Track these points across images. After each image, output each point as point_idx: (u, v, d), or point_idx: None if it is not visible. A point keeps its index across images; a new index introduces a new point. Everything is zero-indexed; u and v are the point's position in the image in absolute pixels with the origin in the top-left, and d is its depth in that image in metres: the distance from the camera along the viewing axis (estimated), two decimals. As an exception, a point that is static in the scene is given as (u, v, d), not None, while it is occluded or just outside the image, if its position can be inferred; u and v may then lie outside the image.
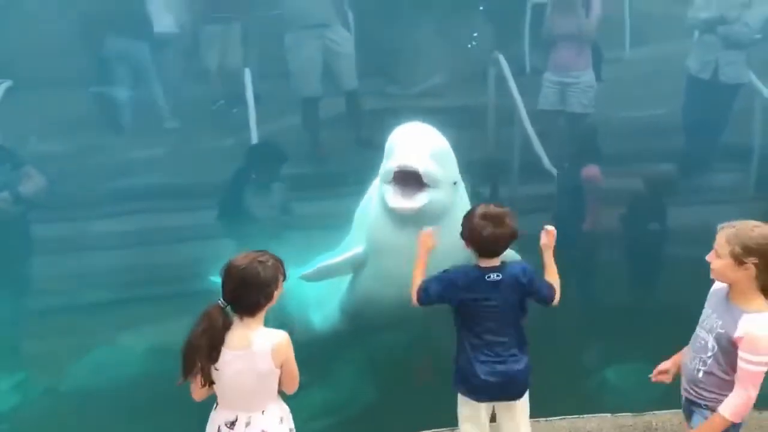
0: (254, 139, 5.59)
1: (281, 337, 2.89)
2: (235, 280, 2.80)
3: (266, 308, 2.89)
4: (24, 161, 5.01)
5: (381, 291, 3.90)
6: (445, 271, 3.33)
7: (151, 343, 4.89)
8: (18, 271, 5.12)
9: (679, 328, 3.26)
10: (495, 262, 3.27)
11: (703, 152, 6.25)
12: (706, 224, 5.47)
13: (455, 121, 5.62)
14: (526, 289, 3.28)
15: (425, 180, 3.54)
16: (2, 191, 4.93)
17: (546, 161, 5.63)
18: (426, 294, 3.33)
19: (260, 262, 2.84)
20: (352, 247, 4.08)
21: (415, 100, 6.38)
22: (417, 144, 3.56)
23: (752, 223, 2.89)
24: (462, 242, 3.34)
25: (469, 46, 6.36)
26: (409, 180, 3.56)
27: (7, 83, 5.41)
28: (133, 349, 4.95)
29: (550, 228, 3.39)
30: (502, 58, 6.10)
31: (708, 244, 2.95)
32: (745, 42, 6.07)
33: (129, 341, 5.00)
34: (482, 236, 3.18)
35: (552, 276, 3.38)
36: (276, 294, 2.89)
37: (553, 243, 3.37)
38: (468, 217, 3.28)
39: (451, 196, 3.72)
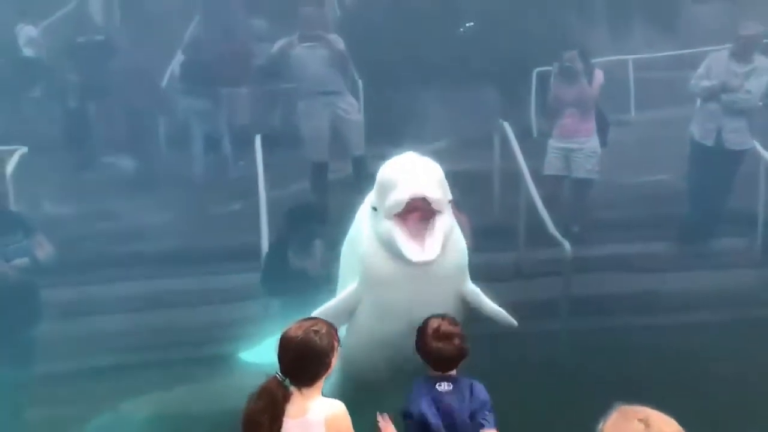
0: (263, 204, 5.65)
1: (337, 407, 2.88)
2: (293, 352, 2.81)
3: (324, 377, 2.89)
4: (35, 228, 5.06)
5: (380, 326, 3.79)
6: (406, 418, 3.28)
7: (154, 410, 4.88)
8: (25, 335, 5.14)
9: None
10: (449, 374, 3.27)
11: (708, 218, 6.30)
12: (713, 290, 5.56)
13: (461, 185, 5.76)
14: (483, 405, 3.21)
15: (435, 207, 3.46)
16: (15, 258, 4.97)
17: (551, 226, 5.67)
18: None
19: (315, 332, 2.85)
20: (344, 287, 3.98)
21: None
22: (421, 172, 3.50)
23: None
24: (463, 258, 3.45)
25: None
26: (413, 213, 3.48)
27: (22, 150, 5.52)
28: (136, 416, 4.93)
29: None
30: (507, 125, 6.20)
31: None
32: (748, 109, 6.17)
33: (132, 407, 4.98)
34: (430, 352, 3.22)
35: None
36: (333, 362, 2.90)
37: None
38: (421, 330, 3.30)
39: (451, 215, 3.65)
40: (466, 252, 3.75)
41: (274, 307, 4.74)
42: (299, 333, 2.80)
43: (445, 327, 3.24)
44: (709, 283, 5.81)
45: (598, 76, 6.12)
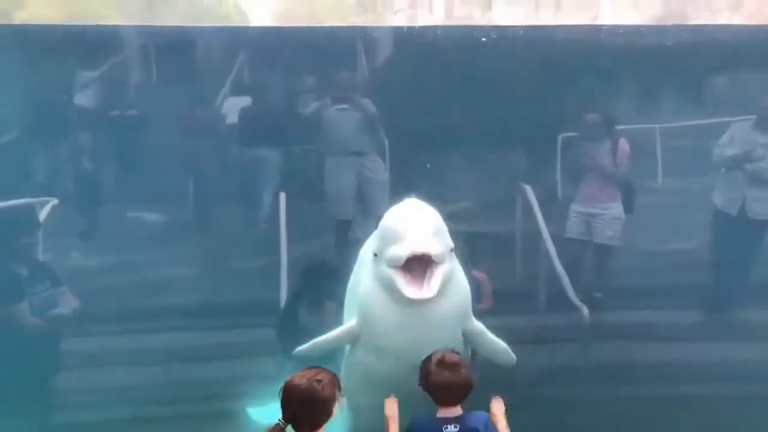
0: (284, 260, 5.75)
1: None
2: (296, 401, 2.92)
3: (326, 424, 2.98)
4: (62, 279, 5.19)
5: (376, 366, 3.86)
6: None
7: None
8: (46, 384, 5.22)
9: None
10: (455, 411, 3.31)
11: (732, 288, 6.27)
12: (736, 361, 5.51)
13: (483, 246, 5.85)
14: None
15: (436, 260, 3.56)
16: (44, 308, 5.08)
17: (570, 291, 5.69)
18: None
19: (318, 381, 2.96)
20: (345, 322, 4.07)
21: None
22: (421, 226, 3.60)
23: None
24: (465, 299, 3.55)
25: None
26: (415, 261, 3.57)
27: (53, 201, 5.68)
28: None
29: (497, 402, 3.44)
30: (528, 188, 6.28)
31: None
32: (772, 180, 6.19)
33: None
34: (437, 384, 3.27)
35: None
36: (335, 410, 3.00)
37: (501, 412, 3.40)
38: (425, 363, 3.36)
39: (451, 262, 3.73)
40: (468, 293, 3.84)
41: (288, 365, 4.78)
42: (303, 382, 2.91)
43: (450, 357, 3.31)
44: (732, 354, 5.75)
45: (623, 144, 6.19)
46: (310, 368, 3.04)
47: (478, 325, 3.97)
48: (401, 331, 3.66)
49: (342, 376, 4.12)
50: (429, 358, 3.38)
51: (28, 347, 4.97)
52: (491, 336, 4.02)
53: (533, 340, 5.82)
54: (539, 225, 6.04)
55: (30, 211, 5.60)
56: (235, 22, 11.02)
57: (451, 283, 3.71)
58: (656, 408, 5.23)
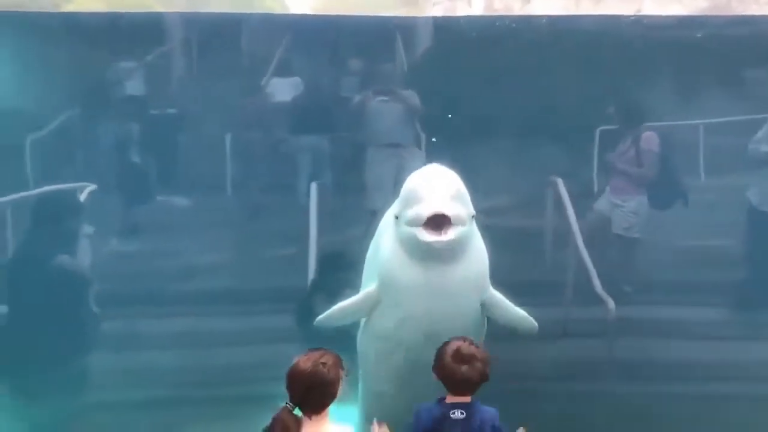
0: (313, 249, 5.89)
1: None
2: (302, 384, 3.07)
3: (330, 404, 3.13)
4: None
5: (393, 334, 3.97)
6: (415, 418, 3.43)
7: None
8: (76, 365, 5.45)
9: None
10: (464, 398, 3.37)
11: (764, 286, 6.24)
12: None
13: (514, 241, 5.91)
14: None
15: (453, 222, 3.69)
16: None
17: (597, 284, 5.72)
18: None
19: (323, 364, 3.10)
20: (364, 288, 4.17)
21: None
22: (443, 189, 3.74)
23: None
24: (483, 267, 3.68)
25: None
26: (435, 223, 3.70)
27: (92, 187, 5.90)
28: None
29: None
30: (560, 182, 6.32)
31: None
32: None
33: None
34: (451, 376, 3.34)
35: None
36: (339, 390, 3.14)
37: None
38: (440, 351, 3.41)
39: (470, 229, 3.86)
40: (486, 262, 3.96)
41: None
42: (308, 365, 3.06)
43: (466, 350, 3.36)
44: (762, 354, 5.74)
45: (650, 139, 6.18)
46: (314, 350, 3.16)
47: (496, 295, 4.08)
48: (420, 293, 3.78)
49: (358, 349, 4.35)
50: (445, 345, 3.44)
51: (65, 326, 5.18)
52: (510, 305, 4.12)
53: (560, 335, 5.85)
54: (569, 218, 6.05)
55: (72, 195, 5.81)
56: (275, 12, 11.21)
57: (470, 250, 3.85)
58: (679, 406, 5.25)
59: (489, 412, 3.39)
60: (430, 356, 3.51)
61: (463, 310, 3.86)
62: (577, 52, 6.13)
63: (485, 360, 3.39)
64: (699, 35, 6.37)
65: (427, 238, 3.66)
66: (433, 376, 3.45)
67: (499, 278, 4.13)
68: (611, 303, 5.60)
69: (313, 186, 6.45)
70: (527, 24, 6.53)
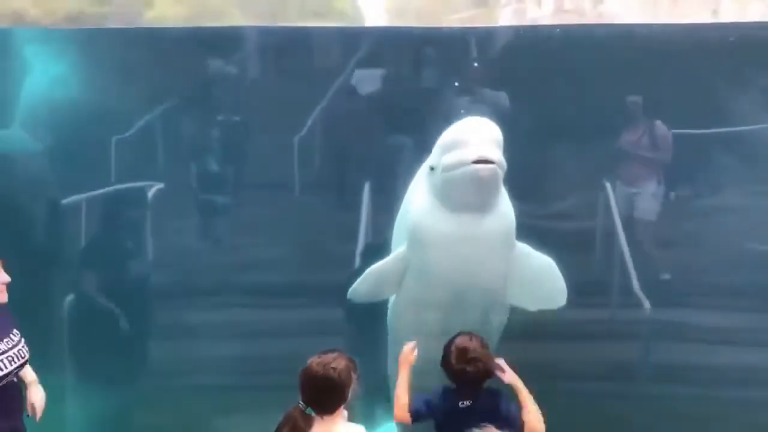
0: (361, 246, 6.17)
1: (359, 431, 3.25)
2: (313, 387, 3.19)
3: (343, 405, 3.25)
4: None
5: (423, 297, 4.14)
6: (427, 399, 3.68)
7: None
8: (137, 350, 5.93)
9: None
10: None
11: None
12: None
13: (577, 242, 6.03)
14: (503, 420, 3.47)
15: (499, 168, 3.86)
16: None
17: (636, 284, 5.79)
18: (416, 415, 3.67)
19: (333, 369, 3.20)
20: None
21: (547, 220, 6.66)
22: (486, 135, 3.89)
23: None
24: (510, 223, 3.93)
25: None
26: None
27: (159, 185, 6.34)
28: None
29: (504, 368, 3.70)
30: (608, 185, 6.39)
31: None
32: None
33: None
34: (455, 374, 3.55)
35: (530, 413, 3.57)
36: (351, 392, 3.25)
37: (513, 379, 3.66)
38: (446, 350, 3.60)
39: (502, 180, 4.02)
40: (513, 217, 4.12)
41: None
42: (320, 370, 3.18)
43: (472, 351, 3.55)
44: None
45: (661, 128, 6.15)
46: (326, 352, 3.27)
47: (523, 246, 4.23)
48: (452, 242, 3.93)
49: (389, 324, 4.56)
50: (451, 343, 3.63)
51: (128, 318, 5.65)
52: (536, 254, 4.26)
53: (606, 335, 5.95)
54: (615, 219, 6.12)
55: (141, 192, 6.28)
56: (350, 17, 11.65)
57: (499, 203, 4.02)
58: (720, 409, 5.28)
59: (494, 394, 3.62)
60: (460, 318, 3.81)
61: (492, 262, 4.03)
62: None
63: (488, 359, 3.59)
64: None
65: (477, 167, 3.77)
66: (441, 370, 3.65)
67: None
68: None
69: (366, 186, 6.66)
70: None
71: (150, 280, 6.26)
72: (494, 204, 3.98)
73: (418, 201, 4.16)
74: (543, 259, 4.29)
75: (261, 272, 6.38)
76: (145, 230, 6.34)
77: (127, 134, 6.26)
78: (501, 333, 4.46)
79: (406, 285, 4.28)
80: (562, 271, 4.36)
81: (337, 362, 3.23)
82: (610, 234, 6.24)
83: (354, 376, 3.27)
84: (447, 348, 3.65)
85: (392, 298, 4.51)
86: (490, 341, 3.93)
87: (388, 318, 4.63)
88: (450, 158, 3.92)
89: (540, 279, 4.29)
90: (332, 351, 3.31)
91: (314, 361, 3.25)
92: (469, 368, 3.54)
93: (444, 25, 8.81)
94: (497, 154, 3.85)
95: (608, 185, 6.40)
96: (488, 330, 4.15)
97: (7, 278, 3.49)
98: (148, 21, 11.59)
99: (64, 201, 6.03)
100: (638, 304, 5.74)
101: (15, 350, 3.45)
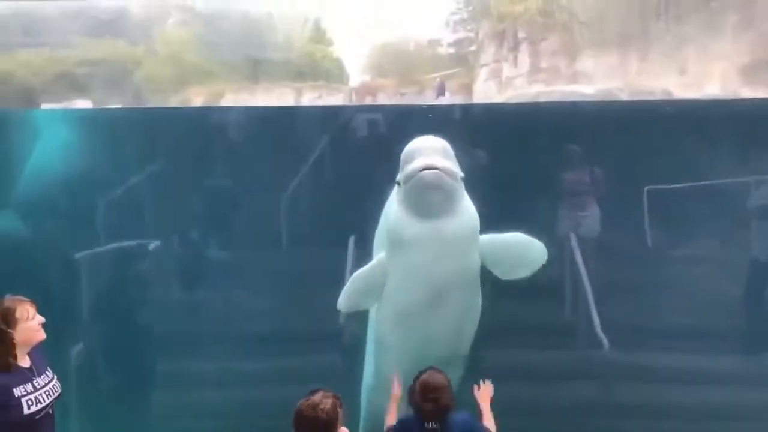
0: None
1: None
2: (306, 426, 3.49)
3: None
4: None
5: (402, 296, 4.64)
6: (402, 420, 4.13)
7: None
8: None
9: None
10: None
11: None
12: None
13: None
14: None
15: (445, 173, 4.42)
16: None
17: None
18: None
19: (321, 409, 3.49)
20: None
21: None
22: (431, 147, 4.52)
23: None
24: (474, 221, 4.51)
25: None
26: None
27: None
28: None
29: (488, 386, 4.30)
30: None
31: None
32: None
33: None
34: (421, 409, 3.92)
35: (489, 421, 4.14)
36: (339, 425, 3.55)
37: (488, 397, 4.24)
38: (412, 384, 4.01)
39: (458, 189, 4.59)
40: (476, 217, 4.67)
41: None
42: (310, 412, 3.49)
43: (433, 383, 3.94)
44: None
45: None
46: (313, 392, 3.58)
47: (488, 236, 4.77)
48: (422, 243, 4.51)
49: (373, 330, 5.05)
50: (416, 379, 4.03)
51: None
52: (499, 236, 4.81)
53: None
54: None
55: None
56: (336, 76, 12.30)
57: (461, 207, 4.59)
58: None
59: (461, 417, 4.01)
60: (440, 321, 4.48)
61: (460, 260, 4.60)
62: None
63: (449, 391, 3.97)
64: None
65: (422, 173, 4.40)
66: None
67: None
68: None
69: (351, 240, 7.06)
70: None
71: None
72: (456, 209, 4.58)
73: (391, 212, 4.81)
74: (507, 236, 4.86)
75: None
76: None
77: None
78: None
79: (388, 292, 4.81)
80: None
81: (324, 402, 3.53)
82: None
83: (340, 411, 3.58)
84: (413, 383, 4.04)
85: (374, 310, 5.05)
86: (464, 345, 4.73)
87: (370, 329, 5.18)
88: (406, 171, 4.58)
89: (515, 251, 4.87)
90: (317, 391, 3.60)
91: (303, 404, 3.55)
92: (430, 405, 3.91)
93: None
94: (442, 162, 4.47)
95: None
96: (468, 324, 4.81)
97: (42, 319, 3.87)
98: (137, 80, 12.21)
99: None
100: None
101: (51, 385, 3.86)
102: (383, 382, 4.94)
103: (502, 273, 4.89)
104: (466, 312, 4.77)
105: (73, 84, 12.13)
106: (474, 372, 4.80)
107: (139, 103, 10.82)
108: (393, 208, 4.81)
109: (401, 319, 4.78)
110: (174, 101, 11.15)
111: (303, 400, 3.54)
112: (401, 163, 4.69)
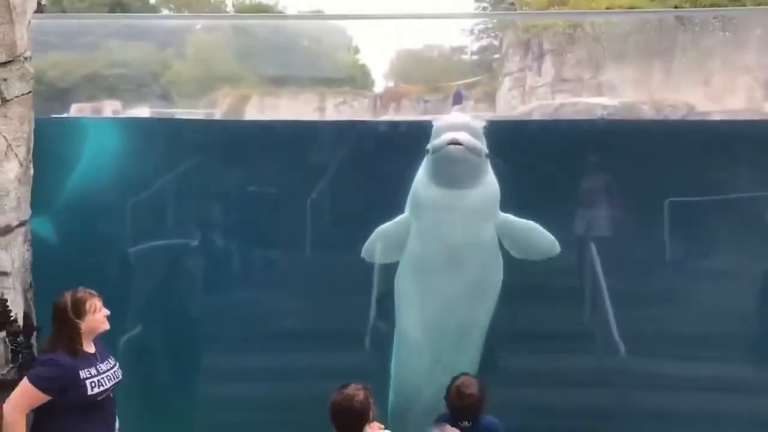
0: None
1: None
2: (341, 418, 4.01)
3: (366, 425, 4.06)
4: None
5: (421, 253, 5.31)
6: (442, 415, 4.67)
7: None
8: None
9: None
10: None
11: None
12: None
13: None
14: None
15: (467, 146, 5.09)
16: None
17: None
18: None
19: (356, 400, 4.01)
20: None
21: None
22: (461, 125, 5.19)
23: None
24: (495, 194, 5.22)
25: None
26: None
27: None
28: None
29: None
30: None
31: None
32: None
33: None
34: (455, 408, 4.54)
35: None
36: (372, 414, 4.06)
37: None
38: (448, 388, 4.64)
39: (482, 164, 5.25)
40: (497, 190, 5.35)
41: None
42: (345, 403, 4.01)
43: (465, 388, 4.57)
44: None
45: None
46: (345, 386, 4.10)
47: (505, 216, 5.39)
48: (441, 210, 5.20)
49: (396, 286, 5.62)
50: (452, 382, 4.65)
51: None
52: (519, 220, 5.42)
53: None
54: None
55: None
56: (360, 82, 12.64)
57: (483, 181, 5.24)
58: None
59: (492, 422, 4.57)
60: (459, 279, 5.13)
61: (476, 227, 5.24)
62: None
63: (481, 395, 4.55)
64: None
65: (449, 147, 5.09)
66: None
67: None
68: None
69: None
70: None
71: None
72: (477, 181, 5.21)
73: (418, 177, 5.46)
74: (524, 223, 5.45)
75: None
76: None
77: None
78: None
79: (410, 249, 5.45)
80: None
81: (357, 394, 4.05)
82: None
83: (371, 401, 4.08)
84: (449, 387, 4.65)
85: (399, 265, 5.62)
86: (482, 315, 5.36)
87: (395, 285, 5.71)
88: (434, 143, 5.23)
89: (527, 238, 5.46)
90: (349, 384, 4.12)
91: (338, 396, 4.07)
92: (463, 403, 4.53)
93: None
94: (467, 138, 5.07)
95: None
96: (485, 294, 5.39)
97: (107, 311, 4.47)
98: (164, 82, 12.60)
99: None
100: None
101: (112, 371, 4.46)
102: (409, 346, 5.57)
103: (516, 252, 5.53)
104: (483, 280, 5.37)
105: (102, 85, 12.55)
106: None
107: (167, 105, 11.22)
108: (420, 173, 5.48)
109: (421, 277, 5.40)
110: (201, 104, 11.57)
111: (336, 393, 4.03)
112: (432, 135, 5.33)
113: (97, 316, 4.35)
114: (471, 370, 4.91)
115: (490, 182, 5.30)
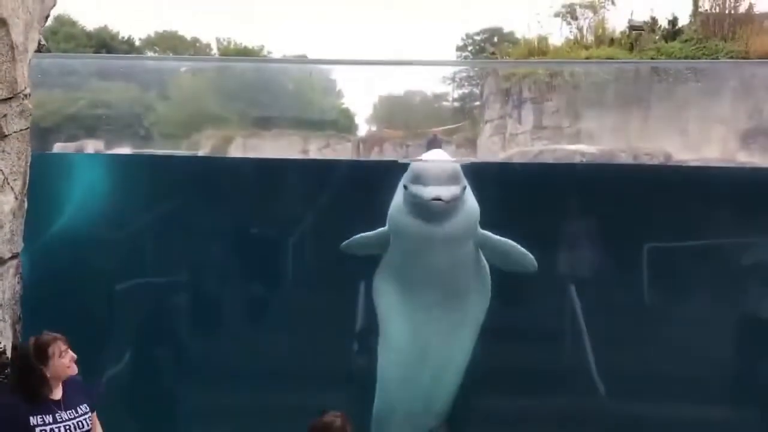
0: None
1: None
2: None
3: None
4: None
5: (406, 267, 5.58)
6: None
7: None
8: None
9: None
10: None
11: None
12: None
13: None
14: None
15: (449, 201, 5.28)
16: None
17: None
18: None
19: (335, 427, 4.10)
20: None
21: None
22: (443, 174, 5.35)
23: None
24: (474, 219, 5.51)
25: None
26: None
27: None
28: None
29: None
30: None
31: None
32: None
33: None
34: None
35: None
36: None
37: None
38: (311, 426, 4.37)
39: (463, 194, 5.44)
40: (476, 213, 5.60)
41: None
42: (323, 429, 4.12)
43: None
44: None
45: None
46: (324, 413, 4.19)
47: (483, 233, 5.67)
48: (420, 240, 5.56)
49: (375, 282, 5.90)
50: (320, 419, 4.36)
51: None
52: (497, 238, 5.72)
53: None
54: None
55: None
56: (344, 126, 12.92)
57: (462, 207, 5.46)
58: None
59: None
60: (437, 291, 5.39)
61: (456, 250, 5.56)
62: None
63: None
64: None
65: (429, 203, 5.35)
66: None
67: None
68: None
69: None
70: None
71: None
72: (457, 211, 5.50)
73: (396, 204, 5.73)
74: (501, 240, 5.75)
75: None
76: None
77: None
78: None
79: (389, 263, 5.83)
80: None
81: (335, 421, 4.13)
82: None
83: (348, 428, 4.17)
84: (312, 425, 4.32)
85: (379, 267, 5.96)
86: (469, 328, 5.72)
87: (373, 284, 6.02)
88: (414, 189, 5.39)
89: (504, 253, 5.75)
90: (326, 412, 4.20)
91: (316, 424, 4.16)
92: None
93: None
94: (450, 194, 5.23)
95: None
96: (466, 309, 5.69)
97: (74, 355, 4.36)
98: (147, 123, 12.85)
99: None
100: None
101: (76, 420, 4.25)
102: (393, 352, 5.88)
103: (495, 263, 5.81)
104: (465, 294, 5.66)
105: (84, 124, 12.73)
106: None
107: (150, 146, 11.45)
108: (398, 201, 5.66)
109: (401, 288, 5.65)
110: (185, 145, 11.79)
111: (314, 420, 4.15)
112: (409, 173, 5.48)
113: (62, 361, 4.26)
114: (457, 374, 5.20)
115: (468, 207, 5.54)
